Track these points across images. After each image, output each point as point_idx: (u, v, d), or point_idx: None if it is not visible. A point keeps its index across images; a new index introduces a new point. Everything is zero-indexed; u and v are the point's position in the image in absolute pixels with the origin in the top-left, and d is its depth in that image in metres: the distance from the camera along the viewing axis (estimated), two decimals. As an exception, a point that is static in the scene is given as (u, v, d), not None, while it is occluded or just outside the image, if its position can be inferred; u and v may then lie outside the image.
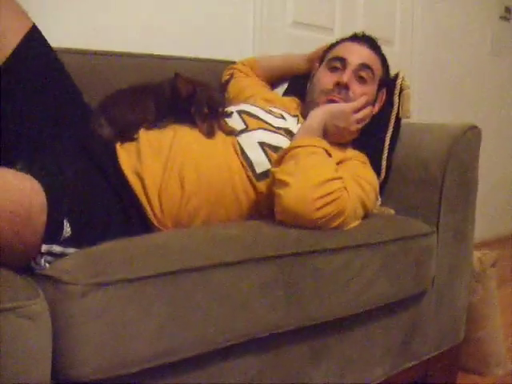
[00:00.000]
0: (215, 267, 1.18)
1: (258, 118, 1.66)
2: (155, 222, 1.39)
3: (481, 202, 1.98)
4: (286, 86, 2.13)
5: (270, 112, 1.71)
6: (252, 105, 1.74)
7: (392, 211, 1.77)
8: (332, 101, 1.71)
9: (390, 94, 1.88)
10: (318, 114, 1.63)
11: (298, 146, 1.45)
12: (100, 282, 1.05)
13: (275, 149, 1.54)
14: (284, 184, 1.38)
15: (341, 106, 1.68)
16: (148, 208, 1.39)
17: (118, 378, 1.09)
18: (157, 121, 1.54)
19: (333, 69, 1.79)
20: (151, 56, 2.01)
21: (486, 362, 2.20)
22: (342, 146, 1.72)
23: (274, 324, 1.27)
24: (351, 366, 1.55)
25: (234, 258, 1.20)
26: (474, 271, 2.07)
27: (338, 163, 1.56)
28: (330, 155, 1.48)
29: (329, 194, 1.37)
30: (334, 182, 1.40)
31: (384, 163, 1.80)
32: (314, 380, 1.46)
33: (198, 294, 1.15)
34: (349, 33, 1.92)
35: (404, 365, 1.75)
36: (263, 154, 1.53)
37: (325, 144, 1.51)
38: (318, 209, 1.36)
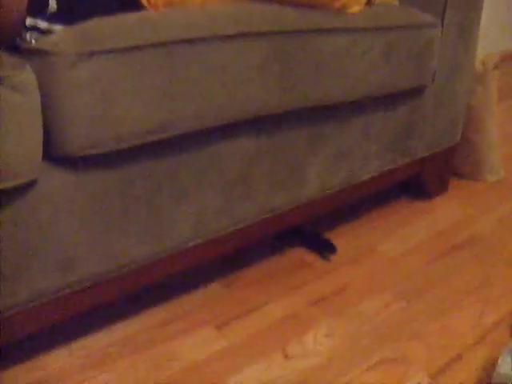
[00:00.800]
0: (210, 40, 1.11)
1: None
2: (146, 4, 1.31)
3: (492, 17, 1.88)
4: None
5: None
6: None
7: (395, 1, 1.68)
8: None
9: None
10: None
11: None
12: (90, 51, 0.99)
13: None
14: None
15: None
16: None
17: (110, 154, 1.07)
18: None
19: None
20: None
21: (480, 168, 2.21)
22: None
23: (270, 104, 1.24)
24: (348, 156, 1.54)
25: (229, 31, 1.14)
26: (476, 72, 2.01)
27: None
28: None
29: None
30: None
31: None
32: (310, 167, 1.46)
33: (193, 68, 1.09)
34: None
35: (400, 161, 1.75)
36: None
37: None
38: None
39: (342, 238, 1.74)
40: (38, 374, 1.20)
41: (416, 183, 1.97)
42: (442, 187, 2.05)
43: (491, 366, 1.20)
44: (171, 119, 1.09)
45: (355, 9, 1.39)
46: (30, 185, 0.99)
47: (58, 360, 1.24)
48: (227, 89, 1.14)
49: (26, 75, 0.93)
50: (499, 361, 1.15)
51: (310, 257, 1.64)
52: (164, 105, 1.07)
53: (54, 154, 1.00)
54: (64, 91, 0.97)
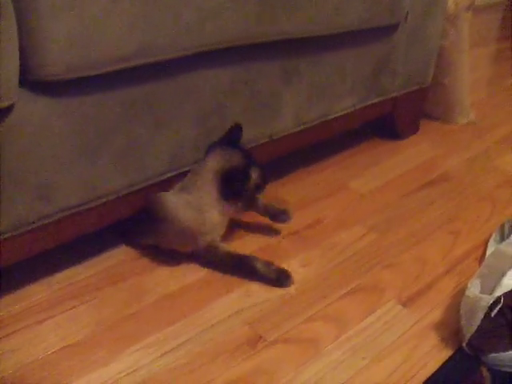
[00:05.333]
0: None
1: None
2: None
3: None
4: None
5: None
6: None
7: None
8: None
9: None
10: None
11: None
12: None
13: None
14: None
15: None
16: None
17: (87, 80, 1.06)
18: None
19: None
20: None
21: (451, 110, 2.24)
22: None
23: (245, 33, 1.24)
24: (321, 91, 1.56)
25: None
26: (448, 13, 2.02)
27: None
28: None
29: None
30: None
31: None
32: (284, 101, 1.47)
33: (169, -5, 1.08)
34: None
35: (372, 99, 1.77)
36: None
37: None
38: None
39: (315, 175, 1.76)
40: (19, 305, 1.21)
41: (388, 124, 1.99)
42: (413, 128, 2.08)
43: (461, 293, 1.23)
44: (147, 45, 1.08)
45: None
46: (7, 110, 0.98)
47: (38, 292, 1.25)
48: (202, 18, 1.14)
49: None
50: (468, 285, 1.18)
51: (285, 193, 1.66)
52: (139, 30, 1.06)
53: (31, 79, 0.99)
54: (40, 14, 0.95)
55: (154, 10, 1.06)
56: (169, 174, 1.29)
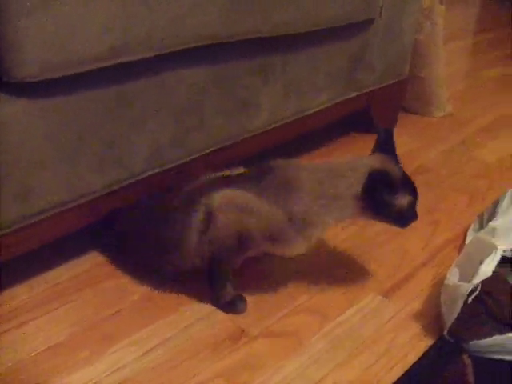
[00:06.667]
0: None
1: None
2: None
3: None
4: None
5: None
6: None
7: None
8: None
9: None
10: None
11: None
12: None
13: None
14: None
15: None
16: None
17: (64, 80, 1.06)
18: None
19: None
20: None
21: (427, 104, 2.26)
22: None
23: (220, 32, 1.24)
24: (296, 87, 1.57)
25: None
26: (423, 7, 2.04)
27: None
28: None
29: None
30: None
31: None
32: (260, 98, 1.47)
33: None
34: None
35: (348, 94, 1.78)
36: None
37: None
38: None
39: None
40: (0, 308, 1.20)
41: (365, 119, 2.00)
42: (390, 122, 2.09)
43: (440, 283, 1.25)
44: (123, 44, 1.08)
45: None
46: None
47: (20, 294, 1.24)
48: (178, 15, 1.14)
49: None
50: (447, 275, 1.20)
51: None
52: (116, 28, 1.05)
53: (7, 80, 0.99)
54: (12, 14, 0.94)
55: (128, 10, 1.06)
56: (148, 173, 1.29)
